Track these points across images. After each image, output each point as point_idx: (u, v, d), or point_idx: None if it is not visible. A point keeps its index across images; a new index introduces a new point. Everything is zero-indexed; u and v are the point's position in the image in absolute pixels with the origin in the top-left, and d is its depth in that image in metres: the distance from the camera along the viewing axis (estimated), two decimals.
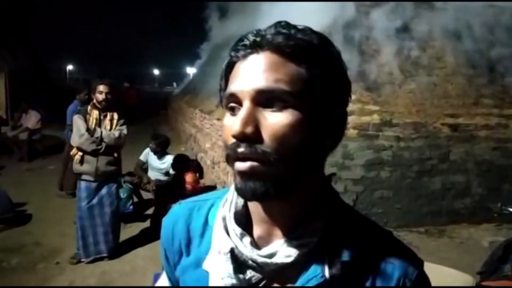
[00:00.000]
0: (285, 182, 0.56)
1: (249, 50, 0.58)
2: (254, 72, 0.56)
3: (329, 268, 0.57)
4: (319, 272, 0.58)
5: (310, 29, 0.59)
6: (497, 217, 4.15)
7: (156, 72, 53.50)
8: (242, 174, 0.56)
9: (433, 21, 5.63)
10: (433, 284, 0.64)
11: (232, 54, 0.60)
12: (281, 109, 0.55)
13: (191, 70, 26.61)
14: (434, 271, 0.65)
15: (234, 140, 0.56)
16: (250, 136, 0.54)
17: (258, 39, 0.57)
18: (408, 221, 4.72)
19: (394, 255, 0.61)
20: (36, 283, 3.46)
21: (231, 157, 0.57)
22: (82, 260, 3.79)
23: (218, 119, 6.34)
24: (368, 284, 0.60)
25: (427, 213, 4.85)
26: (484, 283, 2.34)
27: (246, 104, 0.55)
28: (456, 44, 5.59)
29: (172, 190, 4.80)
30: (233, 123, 0.55)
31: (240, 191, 0.58)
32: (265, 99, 0.55)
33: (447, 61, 5.54)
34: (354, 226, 0.63)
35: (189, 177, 4.91)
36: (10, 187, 5.38)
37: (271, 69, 0.55)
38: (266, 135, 0.55)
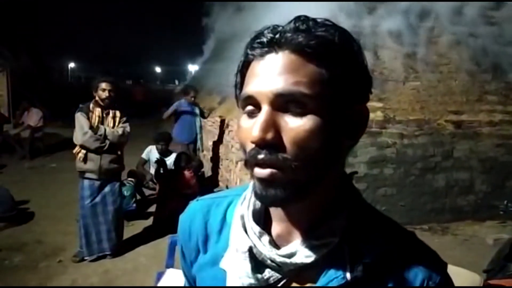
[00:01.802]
0: (305, 187, 0.55)
1: (266, 49, 0.55)
2: (272, 74, 0.53)
3: (351, 269, 0.56)
4: (340, 273, 0.56)
5: (331, 24, 0.56)
6: (502, 214, 4.12)
7: (158, 69, 53.47)
8: (262, 180, 0.54)
9: (436, 17, 5.59)
10: None
11: (248, 51, 0.57)
12: (301, 113, 0.53)
13: (192, 67, 26.61)
14: None
15: (253, 146, 0.53)
16: (270, 142, 0.52)
17: (276, 37, 0.54)
18: (412, 219, 4.70)
19: (418, 256, 0.59)
20: (38, 281, 3.44)
21: (250, 163, 0.55)
22: (85, 258, 3.79)
23: (220, 117, 6.32)
24: (390, 286, 0.58)
25: (430, 210, 4.83)
26: (491, 282, 2.32)
27: (265, 108, 0.53)
28: (460, 40, 5.55)
29: (172, 185, 4.79)
30: (252, 128, 0.53)
31: (259, 197, 0.56)
32: (284, 102, 0.53)
33: (450, 58, 5.51)
34: (376, 226, 0.61)
35: (188, 175, 4.91)
36: (12, 185, 5.36)
37: (290, 71, 0.53)
38: (287, 141, 0.52)
